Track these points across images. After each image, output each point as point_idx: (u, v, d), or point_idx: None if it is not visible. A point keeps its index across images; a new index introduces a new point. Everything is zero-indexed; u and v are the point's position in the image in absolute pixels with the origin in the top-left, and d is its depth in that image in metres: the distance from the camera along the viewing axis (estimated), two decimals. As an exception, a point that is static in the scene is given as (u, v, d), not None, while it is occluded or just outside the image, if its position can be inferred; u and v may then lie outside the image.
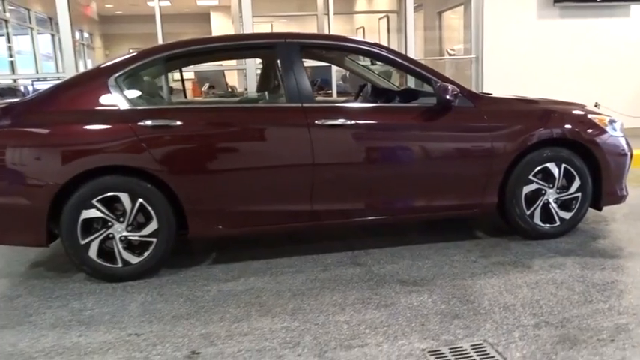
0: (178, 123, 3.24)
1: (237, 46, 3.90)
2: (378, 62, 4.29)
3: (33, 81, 9.06)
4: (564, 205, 3.76)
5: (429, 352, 2.37)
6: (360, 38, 4.13)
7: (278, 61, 3.93)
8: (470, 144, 3.58)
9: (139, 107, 3.28)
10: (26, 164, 3.12)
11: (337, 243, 3.85)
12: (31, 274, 3.51)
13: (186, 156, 3.26)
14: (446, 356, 2.33)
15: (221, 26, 16.14)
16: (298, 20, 14.01)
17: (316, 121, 3.35)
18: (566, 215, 3.77)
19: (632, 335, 2.45)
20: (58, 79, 8.05)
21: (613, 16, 7.47)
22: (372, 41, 3.99)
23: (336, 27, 10.38)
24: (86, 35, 15.05)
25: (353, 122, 3.42)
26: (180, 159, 3.25)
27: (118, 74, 3.26)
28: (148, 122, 3.19)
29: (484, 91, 6.23)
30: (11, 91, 7.62)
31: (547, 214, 3.74)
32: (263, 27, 12.15)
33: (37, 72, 10.48)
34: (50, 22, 11.53)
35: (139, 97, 3.43)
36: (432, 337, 2.49)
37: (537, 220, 3.73)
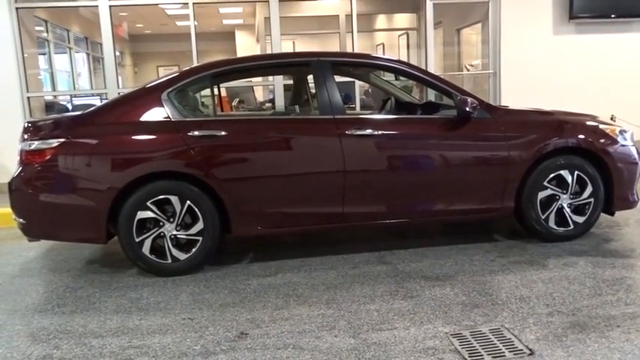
0: (223, 133, 3.61)
1: (275, 64, 4.29)
2: (401, 77, 4.63)
3: (72, 96, 9.61)
4: (578, 210, 4.02)
5: (452, 335, 2.66)
6: (384, 55, 4.47)
7: (309, 77, 4.26)
8: (488, 152, 3.87)
9: (189, 119, 3.66)
10: (90, 170, 3.50)
11: (364, 244, 4.16)
12: (89, 269, 3.89)
13: (230, 163, 3.62)
14: (467, 339, 2.62)
15: (245, 44, 16.69)
16: (320, 37, 14.48)
17: (347, 132, 3.68)
18: (580, 219, 4.02)
19: (637, 322, 2.70)
20: (99, 95, 8.57)
21: (628, 31, 7.71)
22: (396, 58, 4.33)
23: (358, 44, 10.78)
24: (117, 53, 15.70)
25: (380, 132, 3.74)
26: (225, 165, 3.60)
27: (170, 89, 3.65)
28: (196, 132, 3.57)
29: (502, 104, 6.54)
30: (55, 106, 8.13)
31: (561, 218, 4.00)
32: (285, 44, 12.61)
33: (75, 89, 11.08)
34: (86, 42, 12.16)
35: (188, 109, 3.81)
36: (454, 323, 2.78)
37: (552, 224, 3.99)
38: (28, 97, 6.80)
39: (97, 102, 9.69)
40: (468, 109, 3.75)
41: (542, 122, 4.03)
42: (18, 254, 4.34)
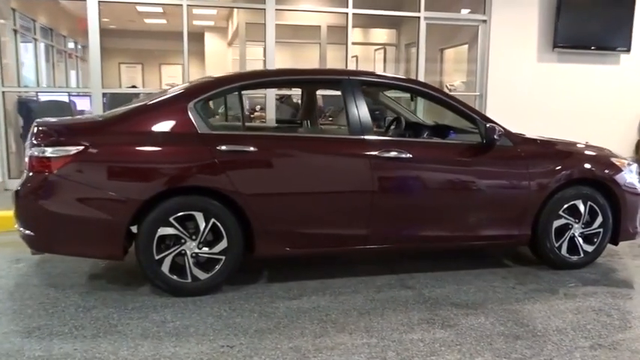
0: (252, 149, 3.46)
1: (305, 80, 4.17)
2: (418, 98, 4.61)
3: (37, 93, 9.06)
4: (587, 239, 4.13)
5: (504, 368, 2.64)
6: (413, 78, 4.46)
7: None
8: (510, 180, 3.91)
9: (216, 132, 3.48)
10: (111, 181, 3.27)
11: (380, 266, 4.08)
12: (95, 285, 3.62)
13: (260, 180, 3.47)
14: (520, 373, 2.60)
15: (214, 47, 16.36)
16: (296, 46, 14.35)
17: (376, 153, 3.62)
18: (589, 248, 4.13)
19: (676, 358, 2.77)
20: (77, 94, 8.10)
21: (605, 63, 8.09)
22: (424, 82, 4.32)
23: (330, 55, 10.74)
24: (79, 47, 15.00)
25: (409, 155, 3.70)
26: (254, 182, 3.45)
27: (196, 100, 3.47)
28: (224, 147, 3.40)
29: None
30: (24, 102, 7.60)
31: (573, 246, 4.09)
32: (257, 50, 12.38)
33: (38, 83, 10.46)
34: (51, 34, 11.51)
35: (215, 121, 3.63)
36: (504, 356, 2.76)
37: (564, 252, 4.08)
38: (3, 92, 6.34)
39: (64, 99, 9.16)
40: (495, 136, 3.78)
41: (560, 152, 4.12)
42: (7, 266, 4.00)
